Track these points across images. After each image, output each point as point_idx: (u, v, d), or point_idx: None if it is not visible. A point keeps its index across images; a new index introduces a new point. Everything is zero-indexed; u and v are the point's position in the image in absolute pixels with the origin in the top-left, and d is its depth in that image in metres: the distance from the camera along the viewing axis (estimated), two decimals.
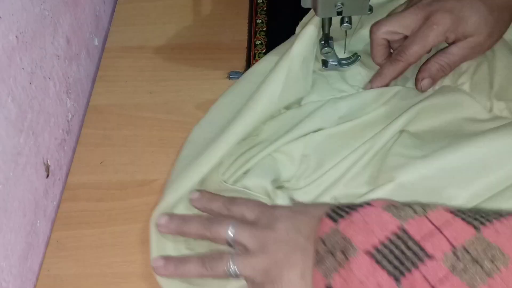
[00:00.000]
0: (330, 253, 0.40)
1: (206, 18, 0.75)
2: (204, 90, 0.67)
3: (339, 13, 0.55)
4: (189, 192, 0.51)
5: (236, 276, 0.45)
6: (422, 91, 0.58)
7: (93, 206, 0.58)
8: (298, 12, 0.63)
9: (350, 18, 0.57)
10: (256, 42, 0.69)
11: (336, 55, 0.61)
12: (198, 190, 0.51)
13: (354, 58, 0.62)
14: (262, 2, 0.74)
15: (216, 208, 0.49)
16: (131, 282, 0.53)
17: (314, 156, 0.55)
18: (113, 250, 0.55)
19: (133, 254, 0.54)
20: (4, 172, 0.50)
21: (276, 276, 0.42)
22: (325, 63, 0.61)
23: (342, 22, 0.57)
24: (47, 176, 0.59)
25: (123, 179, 0.60)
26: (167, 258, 0.48)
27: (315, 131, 0.56)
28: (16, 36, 0.53)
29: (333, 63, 0.61)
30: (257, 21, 0.72)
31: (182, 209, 0.51)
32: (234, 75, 0.67)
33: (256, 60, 0.67)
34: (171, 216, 0.49)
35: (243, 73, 0.67)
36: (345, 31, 0.59)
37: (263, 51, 0.68)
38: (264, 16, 0.73)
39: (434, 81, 0.58)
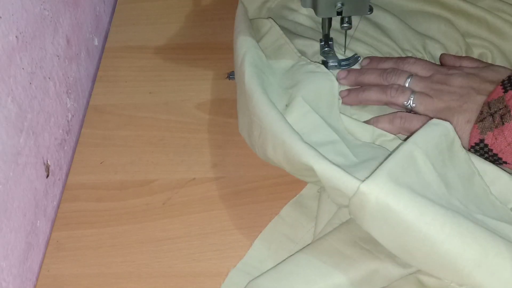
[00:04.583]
0: (491, 115, 0.49)
1: (206, 18, 0.75)
2: (204, 90, 0.67)
3: (339, 13, 0.55)
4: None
5: (411, 110, 0.53)
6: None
7: (93, 206, 0.58)
8: None
9: (350, 18, 0.57)
10: None
11: (336, 56, 0.61)
12: (368, 57, 0.59)
13: (353, 59, 0.62)
14: None
15: (389, 66, 0.57)
16: (131, 282, 0.53)
17: None
18: (113, 250, 0.55)
19: (133, 254, 0.54)
20: (4, 172, 0.50)
21: (447, 117, 0.51)
22: (324, 64, 0.61)
23: (342, 22, 0.57)
24: (47, 176, 0.59)
25: (123, 179, 0.60)
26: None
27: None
28: (16, 36, 0.53)
29: (333, 64, 0.61)
30: None
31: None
32: (234, 75, 0.67)
33: None
34: (349, 70, 0.58)
35: None
36: (345, 31, 0.59)
37: None
38: None
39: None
